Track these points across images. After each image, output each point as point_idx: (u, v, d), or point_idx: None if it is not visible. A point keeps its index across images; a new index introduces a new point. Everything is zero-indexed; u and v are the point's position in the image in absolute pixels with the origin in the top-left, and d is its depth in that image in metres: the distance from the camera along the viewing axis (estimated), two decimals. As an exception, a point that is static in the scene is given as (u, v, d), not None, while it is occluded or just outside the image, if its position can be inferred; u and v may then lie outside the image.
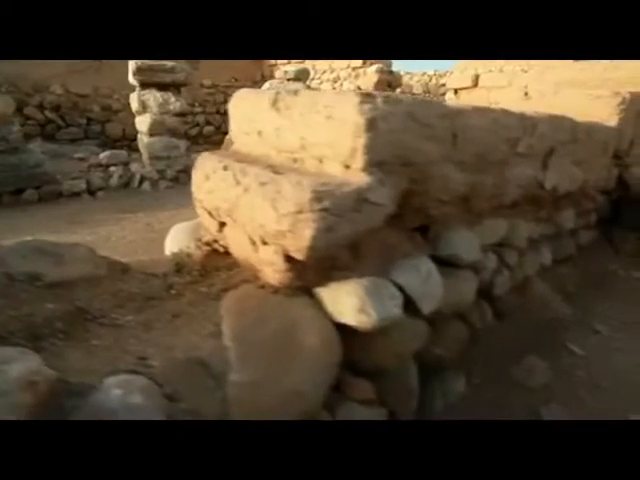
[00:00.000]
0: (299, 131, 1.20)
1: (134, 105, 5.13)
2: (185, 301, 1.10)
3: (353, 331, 1.10)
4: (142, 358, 0.86)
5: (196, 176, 1.43)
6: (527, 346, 1.88)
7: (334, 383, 1.10)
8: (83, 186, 4.49)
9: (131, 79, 4.95)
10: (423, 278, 1.26)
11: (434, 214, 1.39)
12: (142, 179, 4.89)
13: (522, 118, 1.59)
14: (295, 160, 1.26)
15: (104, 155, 5.21)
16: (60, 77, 6.56)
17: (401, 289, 1.21)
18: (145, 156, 5.18)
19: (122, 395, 0.72)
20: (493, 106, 1.53)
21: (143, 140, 5.20)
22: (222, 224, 1.37)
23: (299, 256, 1.01)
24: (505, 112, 1.50)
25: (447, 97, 6.03)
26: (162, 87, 4.97)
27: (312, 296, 1.14)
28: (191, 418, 0.78)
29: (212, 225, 1.41)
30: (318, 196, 0.95)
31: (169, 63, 4.84)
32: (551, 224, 2.35)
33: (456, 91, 5.89)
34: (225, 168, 1.25)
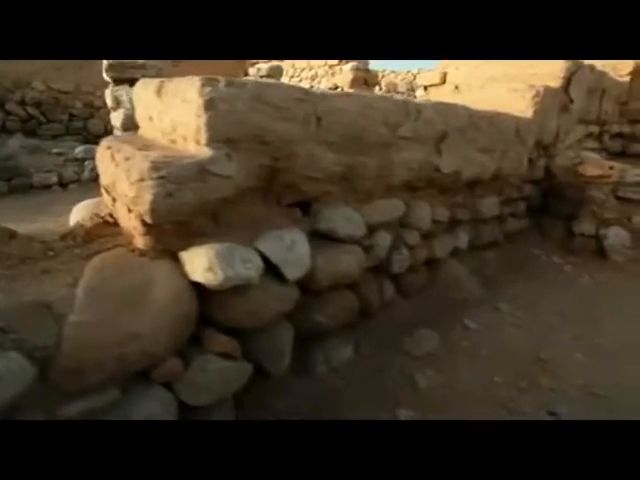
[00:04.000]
0: (170, 114, 1.34)
1: (109, 101, 5.27)
2: (58, 261, 1.24)
3: (212, 290, 1.24)
4: (-11, 300, 1.00)
5: (96, 158, 1.59)
6: (425, 321, 2.01)
7: (189, 334, 1.24)
8: (55, 179, 4.65)
9: (105, 75, 5.10)
10: (286, 247, 1.39)
11: (307, 190, 1.53)
12: (115, 172, 5.04)
13: (404, 104, 1.73)
14: (172, 141, 1.40)
15: (80, 150, 5.38)
16: (41, 73, 6.74)
17: (263, 256, 1.35)
18: (119, 150, 5.32)
19: (-51, 322, 0.86)
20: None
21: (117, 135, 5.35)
22: (115, 199, 1.52)
23: (147, 219, 1.16)
24: (381, 97, 1.64)
25: (417, 94, 6.16)
26: (134, 83, 5.12)
27: (177, 259, 1.28)
28: (19, 347, 0.92)
29: (108, 200, 1.56)
30: (156, 166, 1.09)
31: (140, 60, 4.98)
32: (468, 210, 2.48)
33: (425, 88, 6.02)
34: (108, 148, 1.40)
